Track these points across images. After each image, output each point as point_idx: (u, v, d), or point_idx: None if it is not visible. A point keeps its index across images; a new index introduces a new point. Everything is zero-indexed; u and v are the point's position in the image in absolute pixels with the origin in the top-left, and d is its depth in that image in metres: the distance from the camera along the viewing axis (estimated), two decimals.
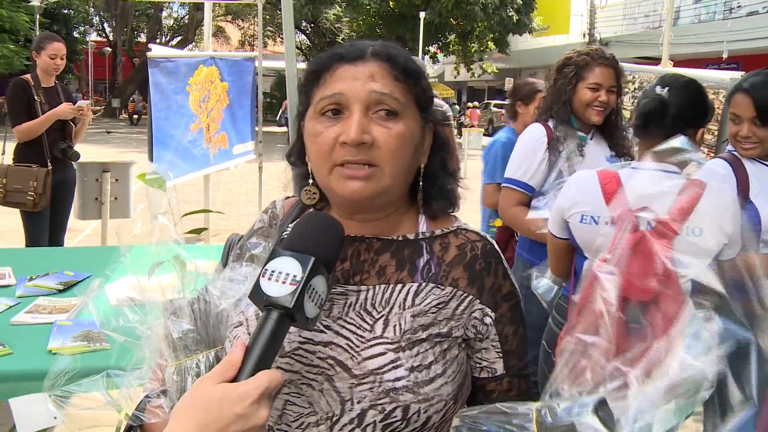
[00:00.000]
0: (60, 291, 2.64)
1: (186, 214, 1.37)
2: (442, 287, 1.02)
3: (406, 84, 1.01)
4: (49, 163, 4.39)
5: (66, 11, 33.10)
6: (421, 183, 1.07)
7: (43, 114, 4.38)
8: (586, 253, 2.03)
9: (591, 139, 2.75)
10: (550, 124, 2.75)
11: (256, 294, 0.89)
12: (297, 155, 1.11)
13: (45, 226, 4.45)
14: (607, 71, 2.68)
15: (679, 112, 1.95)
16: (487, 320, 1.03)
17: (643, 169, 1.95)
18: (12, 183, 4.25)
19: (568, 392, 0.90)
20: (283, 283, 0.87)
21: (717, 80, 3.80)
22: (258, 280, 0.89)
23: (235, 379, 0.84)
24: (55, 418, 1.77)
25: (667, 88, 1.97)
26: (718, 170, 2.21)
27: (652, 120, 1.97)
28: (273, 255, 0.91)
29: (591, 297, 1.73)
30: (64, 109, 4.49)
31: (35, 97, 4.36)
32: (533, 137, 2.73)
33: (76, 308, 2.42)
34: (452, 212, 1.12)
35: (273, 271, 0.89)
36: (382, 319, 0.99)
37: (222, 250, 1.31)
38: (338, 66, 1.01)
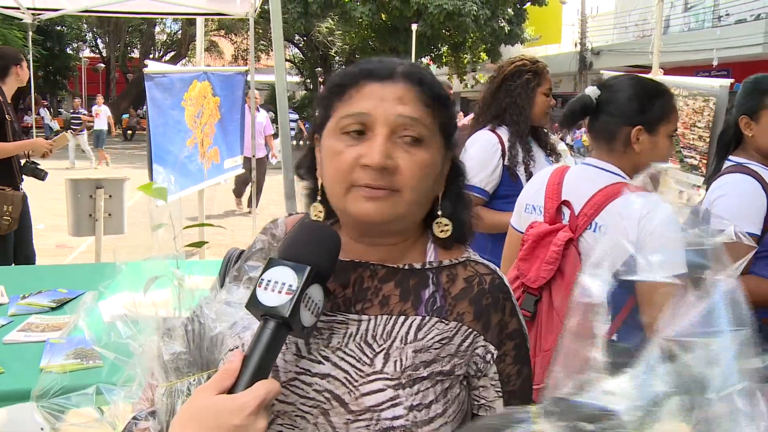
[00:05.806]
0: (53, 309, 2.62)
1: (186, 227, 1.37)
2: (447, 322, 0.98)
3: (434, 110, 0.97)
4: (21, 187, 4.30)
5: (59, 28, 33.11)
6: (439, 213, 1.03)
7: (13, 132, 4.28)
8: None
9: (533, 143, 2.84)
10: (500, 131, 2.77)
11: (253, 303, 0.88)
12: (307, 169, 1.08)
13: (11, 247, 4.30)
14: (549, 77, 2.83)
15: (604, 109, 1.94)
16: (489, 357, 0.99)
17: (583, 165, 2.01)
18: None
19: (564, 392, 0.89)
20: (279, 292, 0.87)
21: (707, 87, 3.81)
22: (254, 290, 0.89)
23: (232, 388, 0.83)
24: (42, 429, 1.75)
25: (595, 87, 1.99)
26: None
27: (574, 118, 2.01)
28: (269, 265, 0.90)
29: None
30: (40, 144, 4.55)
31: (6, 116, 4.24)
32: (486, 146, 2.76)
33: (68, 326, 2.40)
34: (466, 243, 1.08)
35: (269, 281, 0.88)
36: (383, 352, 0.95)
37: (219, 264, 1.30)
38: (366, 83, 0.97)
